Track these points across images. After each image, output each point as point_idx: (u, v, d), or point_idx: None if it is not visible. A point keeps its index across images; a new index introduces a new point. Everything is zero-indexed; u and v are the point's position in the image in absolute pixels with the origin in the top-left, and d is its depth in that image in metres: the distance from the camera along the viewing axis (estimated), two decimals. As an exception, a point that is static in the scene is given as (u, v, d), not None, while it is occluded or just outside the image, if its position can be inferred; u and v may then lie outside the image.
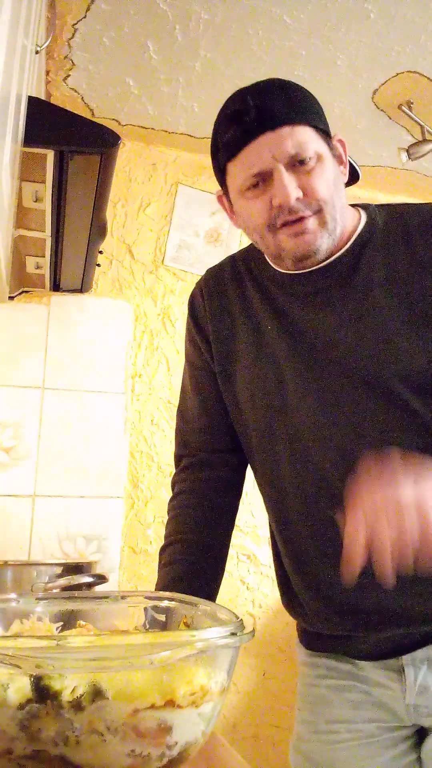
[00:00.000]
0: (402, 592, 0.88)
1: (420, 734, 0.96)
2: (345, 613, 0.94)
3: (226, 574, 1.06)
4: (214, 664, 0.54)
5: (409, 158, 2.07)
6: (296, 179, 0.87)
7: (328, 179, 0.89)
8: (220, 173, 0.95)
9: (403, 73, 1.90)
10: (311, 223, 0.89)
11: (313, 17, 1.69)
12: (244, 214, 0.94)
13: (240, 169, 0.90)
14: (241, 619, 0.57)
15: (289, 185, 0.86)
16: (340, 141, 0.95)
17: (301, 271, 0.96)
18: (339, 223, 0.92)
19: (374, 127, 2.16)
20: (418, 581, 0.87)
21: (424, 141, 2.06)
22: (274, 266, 1.00)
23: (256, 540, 2.20)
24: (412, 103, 2.02)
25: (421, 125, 2.07)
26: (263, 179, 0.89)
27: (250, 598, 2.17)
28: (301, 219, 0.88)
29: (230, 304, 1.06)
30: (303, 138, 0.87)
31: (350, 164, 0.99)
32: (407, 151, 2.07)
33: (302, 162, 0.87)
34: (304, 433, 0.94)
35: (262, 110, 0.87)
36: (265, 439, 1.00)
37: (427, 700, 0.91)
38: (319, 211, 0.89)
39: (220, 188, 0.98)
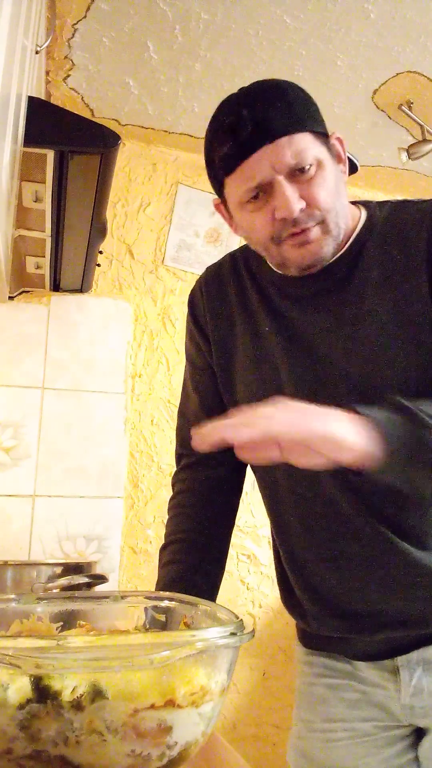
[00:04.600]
0: (397, 597, 0.89)
1: (418, 734, 0.96)
2: (341, 616, 0.94)
3: (226, 574, 1.06)
4: (214, 664, 0.54)
5: (409, 158, 2.07)
6: (298, 189, 0.85)
7: (329, 185, 0.87)
8: (218, 186, 0.93)
9: (403, 73, 1.90)
10: (315, 232, 0.87)
11: (313, 17, 1.69)
12: (245, 226, 0.92)
13: (239, 183, 0.88)
14: (241, 619, 0.57)
15: (292, 197, 0.84)
16: (338, 139, 0.93)
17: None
18: (342, 226, 0.91)
19: (374, 127, 2.16)
20: (413, 586, 0.88)
21: (424, 141, 2.06)
22: (275, 269, 0.99)
23: (256, 540, 2.20)
24: (412, 103, 2.02)
25: (421, 125, 2.07)
26: (263, 190, 0.86)
27: (250, 598, 2.17)
28: (305, 230, 0.87)
29: (229, 303, 1.05)
30: (302, 146, 0.85)
31: (348, 158, 0.96)
32: (407, 151, 2.07)
33: (302, 170, 0.85)
34: None
35: (258, 123, 0.84)
36: None
37: (422, 701, 0.91)
38: (322, 221, 0.87)
39: (217, 197, 0.96)
